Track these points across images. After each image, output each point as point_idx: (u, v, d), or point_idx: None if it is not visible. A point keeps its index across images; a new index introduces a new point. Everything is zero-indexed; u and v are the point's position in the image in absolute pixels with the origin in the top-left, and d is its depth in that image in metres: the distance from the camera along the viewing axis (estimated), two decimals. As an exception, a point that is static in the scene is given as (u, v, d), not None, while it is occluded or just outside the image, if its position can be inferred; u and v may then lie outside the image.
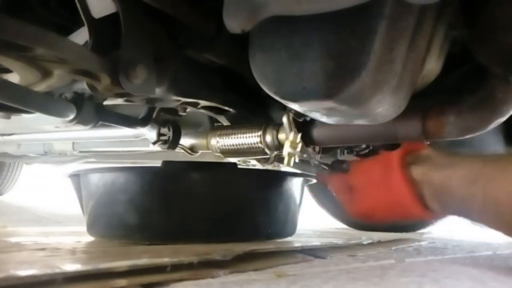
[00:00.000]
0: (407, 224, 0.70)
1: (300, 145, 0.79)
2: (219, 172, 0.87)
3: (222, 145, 0.90)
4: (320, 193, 1.64)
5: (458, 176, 0.55)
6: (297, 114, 0.79)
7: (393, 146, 0.76)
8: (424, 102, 0.74)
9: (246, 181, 0.87)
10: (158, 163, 0.89)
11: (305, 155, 0.79)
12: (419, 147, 0.65)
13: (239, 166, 0.97)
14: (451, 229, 1.45)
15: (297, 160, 0.79)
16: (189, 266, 0.56)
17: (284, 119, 0.80)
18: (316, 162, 0.79)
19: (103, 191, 0.84)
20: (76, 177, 0.93)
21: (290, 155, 0.79)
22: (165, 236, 0.79)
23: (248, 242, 0.76)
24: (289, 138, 0.78)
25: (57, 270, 0.46)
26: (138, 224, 0.79)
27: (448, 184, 0.56)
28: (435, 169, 0.59)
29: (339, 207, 0.74)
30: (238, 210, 0.82)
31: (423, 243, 1.03)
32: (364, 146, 1.01)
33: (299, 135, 0.78)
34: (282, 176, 0.91)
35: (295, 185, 0.91)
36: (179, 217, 0.80)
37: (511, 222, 0.50)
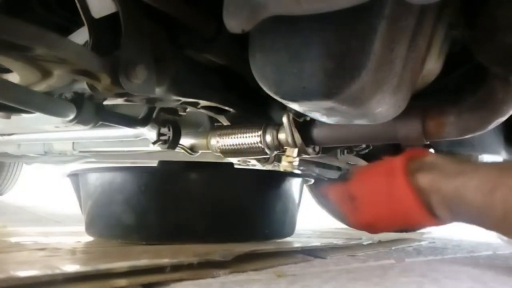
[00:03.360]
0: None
1: (297, 159, 0.79)
2: (216, 172, 0.87)
3: (222, 145, 0.90)
4: (320, 193, 1.64)
5: (474, 185, 0.53)
6: (297, 114, 0.79)
7: (395, 148, 0.74)
8: (424, 102, 0.74)
9: (242, 181, 0.87)
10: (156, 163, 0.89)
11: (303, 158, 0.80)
12: (423, 154, 0.63)
13: (236, 166, 0.97)
14: (451, 229, 1.45)
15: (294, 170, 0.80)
16: (189, 267, 0.56)
17: (284, 119, 0.80)
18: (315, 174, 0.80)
19: (101, 191, 0.84)
20: (74, 177, 0.93)
21: (286, 168, 0.80)
22: (162, 236, 0.79)
23: (244, 242, 0.76)
24: (287, 153, 0.79)
25: (57, 271, 0.46)
26: (135, 224, 0.79)
27: (463, 193, 0.54)
28: (445, 177, 0.56)
29: (341, 217, 0.72)
30: (235, 210, 0.82)
31: (423, 243, 1.03)
32: (364, 146, 1.01)
33: (296, 150, 0.79)
34: (280, 176, 0.91)
35: (293, 185, 0.91)
36: (175, 217, 0.80)
37: None
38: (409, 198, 0.57)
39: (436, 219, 0.59)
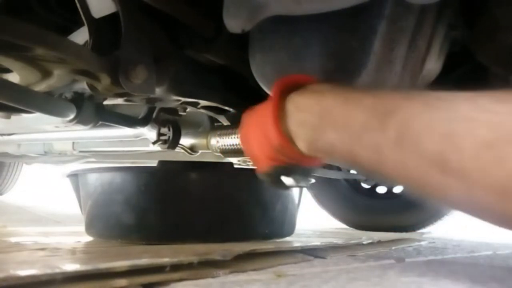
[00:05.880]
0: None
1: None
2: (215, 172, 0.87)
3: (222, 145, 0.90)
4: (320, 193, 1.64)
5: (367, 104, 0.42)
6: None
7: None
8: (424, 102, 0.74)
9: (242, 181, 0.87)
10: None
11: None
12: (311, 80, 0.51)
13: (235, 166, 0.97)
14: (451, 229, 1.45)
15: None
16: (189, 266, 0.56)
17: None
18: None
19: (101, 191, 0.84)
20: (74, 177, 0.93)
21: None
22: (162, 236, 0.79)
23: (244, 242, 0.76)
24: None
25: (57, 270, 0.46)
26: (135, 224, 0.79)
27: (348, 111, 0.43)
28: (330, 95, 0.46)
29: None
30: (234, 210, 0.82)
31: (423, 243, 1.03)
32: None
33: None
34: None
35: (294, 185, 0.91)
36: (175, 217, 0.80)
37: (432, 160, 0.36)
38: (270, 119, 0.50)
39: (291, 143, 0.50)
